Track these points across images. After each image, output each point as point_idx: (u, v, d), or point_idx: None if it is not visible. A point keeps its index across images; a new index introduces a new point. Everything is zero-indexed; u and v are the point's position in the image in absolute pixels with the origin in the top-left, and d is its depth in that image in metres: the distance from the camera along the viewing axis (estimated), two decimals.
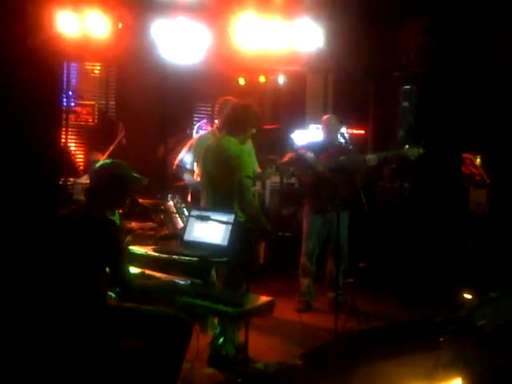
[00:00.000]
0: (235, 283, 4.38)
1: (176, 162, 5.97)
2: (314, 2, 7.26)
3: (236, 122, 4.80)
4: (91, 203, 3.58)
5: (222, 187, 4.74)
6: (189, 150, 5.93)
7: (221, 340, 4.61)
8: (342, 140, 6.29)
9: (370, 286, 6.91)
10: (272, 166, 5.76)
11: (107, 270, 3.47)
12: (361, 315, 6.04)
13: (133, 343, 3.46)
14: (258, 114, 4.95)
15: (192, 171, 5.93)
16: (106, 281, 3.48)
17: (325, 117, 6.45)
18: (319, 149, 6.18)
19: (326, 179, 5.93)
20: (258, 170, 5.55)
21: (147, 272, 3.88)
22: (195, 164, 5.92)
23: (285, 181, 7.19)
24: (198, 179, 5.86)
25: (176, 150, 6.30)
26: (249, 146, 5.46)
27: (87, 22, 6.91)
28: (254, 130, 4.89)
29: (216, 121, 6.11)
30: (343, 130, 7.09)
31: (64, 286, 3.40)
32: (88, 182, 6.17)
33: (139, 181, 3.70)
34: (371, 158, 5.97)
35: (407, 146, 6.00)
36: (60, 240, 3.50)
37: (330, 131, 6.24)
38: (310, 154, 6.00)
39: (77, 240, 3.44)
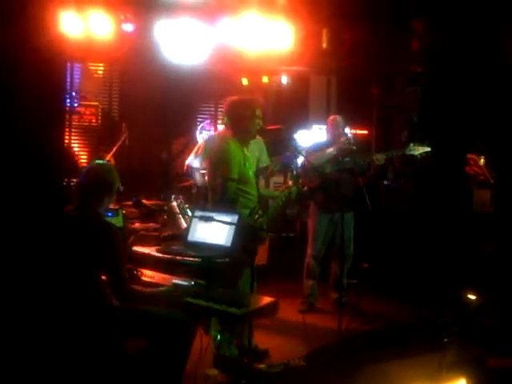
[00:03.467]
0: (232, 283, 4.36)
1: (186, 163, 5.99)
2: (318, 3, 7.24)
3: (234, 120, 4.66)
4: (82, 204, 3.57)
5: (211, 187, 4.72)
6: (197, 152, 5.96)
7: (224, 341, 4.60)
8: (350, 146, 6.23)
9: (374, 287, 6.90)
10: (276, 164, 5.76)
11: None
12: (364, 316, 6.04)
13: (136, 344, 3.45)
14: (261, 109, 4.70)
15: (202, 173, 5.95)
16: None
17: (331, 117, 6.41)
18: (324, 149, 6.15)
19: (332, 180, 5.92)
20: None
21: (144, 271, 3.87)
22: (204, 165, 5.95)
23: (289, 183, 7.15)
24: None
25: (182, 152, 6.33)
26: (259, 143, 5.43)
27: (90, 22, 6.90)
28: (258, 127, 4.67)
29: (220, 121, 6.11)
30: (347, 130, 7.07)
31: (66, 285, 3.40)
32: None
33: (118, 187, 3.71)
34: (380, 157, 5.98)
35: (412, 145, 5.99)
36: (62, 239, 3.50)
37: (336, 132, 6.21)
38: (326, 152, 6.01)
39: (75, 239, 3.43)
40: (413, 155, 5.98)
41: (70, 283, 3.39)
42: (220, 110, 8.63)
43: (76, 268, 3.39)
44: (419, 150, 5.93)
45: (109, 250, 3.41)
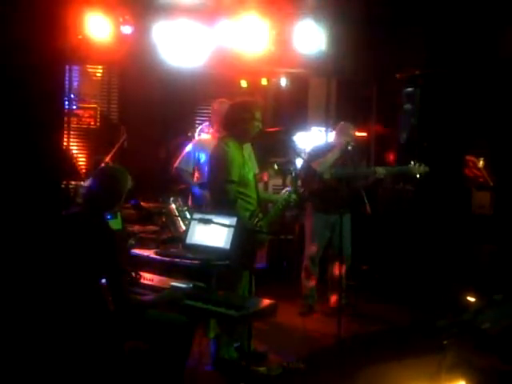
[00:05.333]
0: (231, 286, 4.35)
1: (175, 165, 5.98)
2: (317, 5, 7.24)
3: (234, 122, 4.64)
4: (91, 207, 3.55)
5: (211, 189, 4.71)
6: (187, 153, 5.93)
7: (223, 343, 4.59)
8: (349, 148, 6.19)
9: (373, 289, 6.90)
10: (273, 167, 5.75)
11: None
12: (364, 318, 6.04)
13: (135, 347, 3.44)
14: (261, 111, 4.70)
15: (191, 174, 5.93)
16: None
17: (343, 123, 6.29)
18: (326, 153, 6.13)
19: (331, 186, 5.94)
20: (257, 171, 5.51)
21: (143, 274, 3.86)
22: (194, 167, 5.92)
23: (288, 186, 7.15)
24: (196, 181, 5.88)
25: (174, 155, 6.31)
26: (247, 149, 5.42)
27: (89, 24, 6.89)
28: (257, 129, 4.67)
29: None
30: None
31: (65, 289, 3.38)
32: None
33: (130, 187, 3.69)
34: (381, 171, 6.01)
35: (412, 163, 6.02)
36: (61, 243, 3.48)
37: (344, 140, 6.13)
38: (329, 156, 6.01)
39: (76, 244, 3.41)
40: (413, 173, 6.04)
41: (69, 286, 3.37)
42: None
43: (76, 272, 3.37)
44: (420, 170, 6.02)
45: (110, 259, 3.37)
